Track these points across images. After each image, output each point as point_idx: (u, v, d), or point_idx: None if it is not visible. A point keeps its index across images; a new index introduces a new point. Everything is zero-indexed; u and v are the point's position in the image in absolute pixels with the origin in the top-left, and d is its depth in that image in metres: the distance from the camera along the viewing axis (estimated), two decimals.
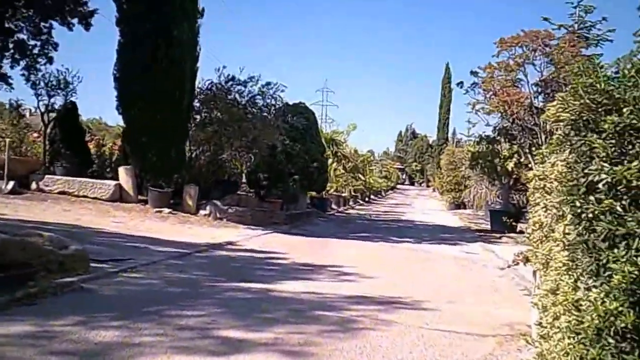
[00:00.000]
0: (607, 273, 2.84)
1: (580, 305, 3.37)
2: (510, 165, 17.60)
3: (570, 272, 3.62)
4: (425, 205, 37.67)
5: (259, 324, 5.14)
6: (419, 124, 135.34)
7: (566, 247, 3.66)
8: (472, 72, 17.36)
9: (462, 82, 17.84)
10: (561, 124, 3.79)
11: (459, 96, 76.52)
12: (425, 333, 5.36)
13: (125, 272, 6.74)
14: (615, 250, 2.78)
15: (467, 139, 26.25)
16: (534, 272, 5.49)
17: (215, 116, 15.95)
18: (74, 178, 14.33)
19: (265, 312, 5.66)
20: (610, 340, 2.74)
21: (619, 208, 2.85)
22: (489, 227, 19.30)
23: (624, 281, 2.69)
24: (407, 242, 14.17)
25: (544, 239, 4.21)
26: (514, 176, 18.55)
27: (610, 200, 2.87)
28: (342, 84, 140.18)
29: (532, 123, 17.03)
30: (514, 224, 17.94)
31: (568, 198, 3.35)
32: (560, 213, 3.78)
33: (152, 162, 14.09)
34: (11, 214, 10.31)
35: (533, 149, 17.38)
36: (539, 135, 16.91)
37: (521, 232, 17.74)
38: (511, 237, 16.23)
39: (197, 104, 16.16)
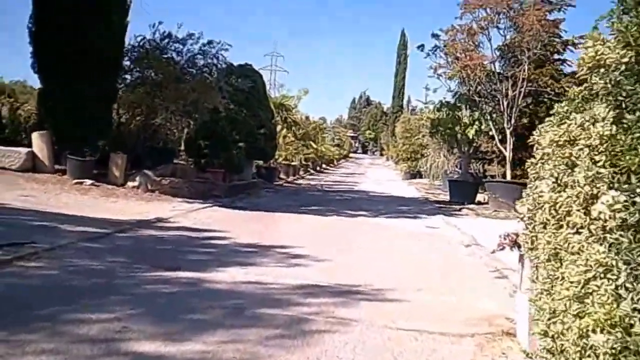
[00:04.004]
0: None
1: (631, 323, 2.42)
2: (471, 132, 16.81)
3: (609, 275, 2.64)
4: (379, 175, 36.90)
5: (183, 331, 4.00)
6: (373, 91, 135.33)
7: (605, 240, 2.64)
8: (433, 35, 16.57)
9: (422, 45, 17.04)
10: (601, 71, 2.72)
11: (414, 63, 76.30)
12: (393, 335, 4.36)
13: (20, 261, 5.40)
14: None
15: (425, 106, 25.53)
16: (521, 259, 4.55)
17: (148, 76, 14.31)
18: None
19: (194, 311, 4.51)
20: None
21: None
22: (447, 198, 18.56)
23: None
24: (363, 215, 13.12)
25: (552, 223, 3.17)
26: (474, 144, 17.83)
27: None
28: (293, 49, 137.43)
29: (493, 89, 16.30)
30: (473, 194, 17.44)
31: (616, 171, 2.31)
32: (595, 191, 2.73)
33: (72, 127, 12.35)
34: None
35: (494, 115, 16.68)
36: (500, 102, 16.16)
37: (480, 202, 17.20)
38: (471, 209, 15.56)
39: (127, 63, 14.44)
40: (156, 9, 26.92)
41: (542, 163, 3.34)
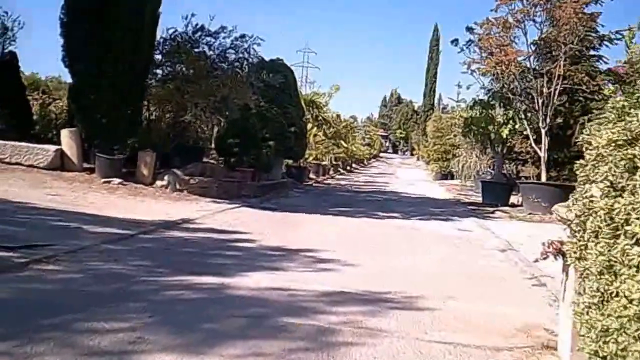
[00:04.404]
0: None
1: None
2: (505, 132, 16.29)
3: None
4: (410, 175, 36.41)
5: (201, 342, 3.73)
6: (405, 89, 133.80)
7: None
8: (467, 28, 16.08)
9: (457, 40, 16.58)
10: None
11: (446, 60, 75.12)
12: (425, 348, 4.02)
13: (38, 264, 5.21)
14: None
15: (457, 104, 25.04)
16: (565, 268, 4.20)
17: (180, 71, 14.09)
18: (6, 142, 12.39)
19: (215, 320, 4.25)
20: None
21: None
22: (479, 199, 18.08)
23: None
24: (394, 217, 12.81)
25: (606, 232, 2.83)
26: (508, 144, 17.30)
27: None
28: (324, 46, 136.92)
29: (527, 86, 15.76)
30: (506, 196, 16.94)
31: None
32: None
33: (101, 124, 12.21)
34: None
35: (529, 114, 16.14)
36: (535, 100, 15.62)
37: (513, 205, 16.70)
38: (505, 212, 15.10)
39: (159, 57, 14.26)
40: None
41: (594, 165, 3.01)
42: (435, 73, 70.86)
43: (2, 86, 13.47)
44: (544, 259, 4.15)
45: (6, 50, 14.38)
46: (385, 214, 13.27)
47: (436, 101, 70.46)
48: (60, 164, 12.44)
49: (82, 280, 4.98)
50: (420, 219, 12.87)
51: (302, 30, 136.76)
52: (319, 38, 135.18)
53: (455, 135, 27.54)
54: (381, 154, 67.98)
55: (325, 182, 25.67)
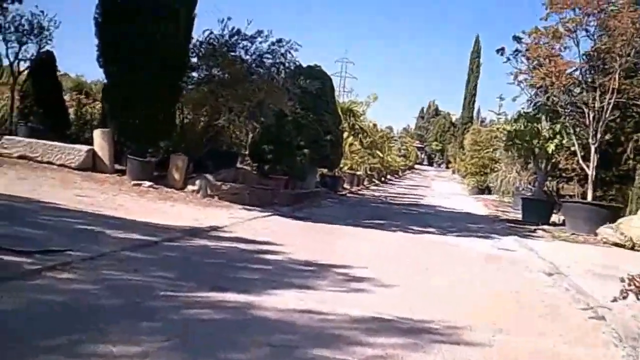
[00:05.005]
0: None
1: None
2: (550, 147, 15.52)
3: None
4: (445, 189, 35.59)
5: None
6: (443, 101, 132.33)
7: None
8: (514, 38, 15.42)
9: (503, 49, 15.86)
10: None
11: (487, 72, 74.26)
12: None
13: (51, 271, 4.81)
14: None
15: (498, 117, 24.32)
16: None
17: (215, 74, 13.78)
18: (38, 140, 12.22)
19: (236, 347, 3.77)
20: None
21: None
22: (519, 216, 17.33)
23: None
24: (430, 232, 12.22)
25: None
26: (553, 160, 16.52)
27: None
28: (361, 56, 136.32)
29: (577, 99, 15.01)
30: (548, 214, 16.17)
31: None
32: None
33: (134, 126, 11.96)
34: None
35: (577, 129, 15.37)
36: (585, 114, 14.85)
37: (555, 224, 15.91)
38: (547, 231, 14.37)
39: (195, 60, 13.96)
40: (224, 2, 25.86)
41: None
42: (475, 85, 70.22)
43: (38, 86, 13.40)
44: (624, 297, 3.60)
45: (42, 50, 14.25)
46: (421, 228, 12.71)
47: (475, 114, 69.69)
48: (92, 164, 12.24)
49: (96, 292, 4.56)
50: (458, 235, 12.28)
51: (339, 40, 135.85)
52: (356, 48, 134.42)
53: (495, 149, 26.74)
54: (416, 166, 67.17)
55: (359, 192, 25.14)
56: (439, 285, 6.83)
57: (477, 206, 23.30)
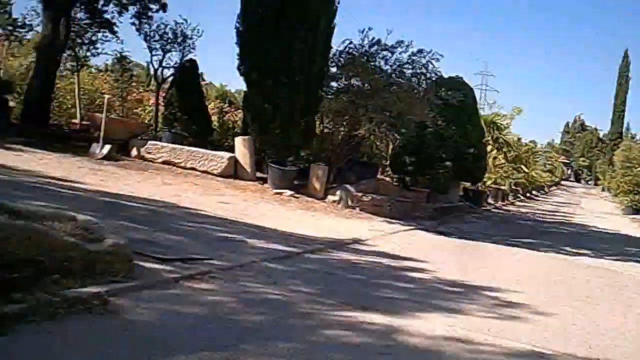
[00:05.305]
0: None
1: None
2: None
3: None
4: (596, 207, 32.79)
5: None
6: (589, 116, 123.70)
7: None
8: None
9: None
10: None
11: (637, 87, 69.70)
12: None
13: (189, 281, 4.63)
14: None
15: None
16: None
17: (354, 84, 13.51)
18: (182, 146, 12.58)
19: None
20: None
21: None
22: None
23: None
24: (585, 255, 11.08)
25: None
26: None
27: None
28: (504, 68, 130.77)
29: None
30: None
31: None
32: None
33: (275, 134, 11.98)
34: (93, 184, 8.78)
35: None
36: None
37: None
38: None
39: (334, 69, 13.79)
40: (363, 10, 26.06)
41: None
42: (624, 100, 66.13)
43: (181, 92, 13.83)
44: None
45: (185, 58, 14.73)
46: (574, 250, 11.59)
47: (624, 129, 65.29)
48: (233, 171, 12.39)
49: (232, 305, 4.28)
50: (617, 259, 10.99)
51: (481, 52, 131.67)
52: (498, 60, 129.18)
53: None
54: (562, 182, 63.24)
55: (504, 208, 23.76)
56: (604, 318, 5.83)
57: (633, 227, 21.14)
